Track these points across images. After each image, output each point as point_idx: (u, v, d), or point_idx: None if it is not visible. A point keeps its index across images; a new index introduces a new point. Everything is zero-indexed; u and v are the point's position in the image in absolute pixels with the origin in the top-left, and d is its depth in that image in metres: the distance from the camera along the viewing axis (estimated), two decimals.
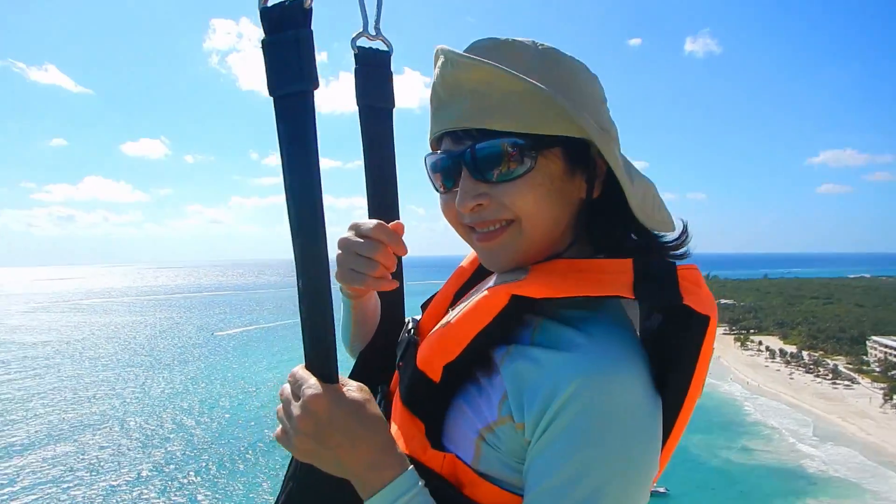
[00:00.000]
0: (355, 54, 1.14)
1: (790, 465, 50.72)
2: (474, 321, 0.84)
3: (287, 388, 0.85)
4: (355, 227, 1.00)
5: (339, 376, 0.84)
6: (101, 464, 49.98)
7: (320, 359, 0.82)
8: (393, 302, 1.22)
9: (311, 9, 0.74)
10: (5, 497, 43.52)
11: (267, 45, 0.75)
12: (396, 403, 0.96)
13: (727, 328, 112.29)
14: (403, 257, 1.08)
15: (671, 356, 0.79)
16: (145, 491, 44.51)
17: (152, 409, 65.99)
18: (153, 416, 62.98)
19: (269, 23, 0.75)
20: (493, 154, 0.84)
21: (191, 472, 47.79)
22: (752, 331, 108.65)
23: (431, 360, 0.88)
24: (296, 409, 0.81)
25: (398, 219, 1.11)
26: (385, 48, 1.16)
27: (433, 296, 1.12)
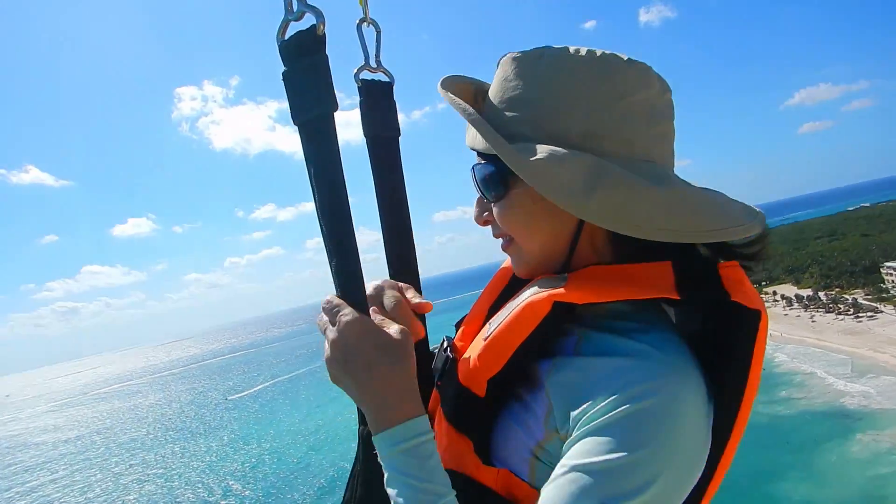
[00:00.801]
0: (359, 87, 1.18)
1: (831, 407, 50.43)
2: (517, 331, 0.83)
3: (323, 316, 0.85)
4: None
5: (382, 318, 0.87)
6: None
7: (351, 289, 0.84)
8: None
9: (324, 35, 0.77)
10: None
11: (286, 76, 0.80)
12: (441, 422, 0.94)
13: None
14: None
15: (724, 357, 0.77)
16: None
17: (198, 478, 65.70)
18: (201, 486, 62.71)
19: (287, 54, 0.79)
20: (481, 177, 0.89)
21: None
22: (763, 283, 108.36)
23: (475, 374, 0.87)
24: (330, 332, 0.82)
25: (412, 243, 1.22)
26: (387, 79, 1.20)
27: (466, 314, 1.11)
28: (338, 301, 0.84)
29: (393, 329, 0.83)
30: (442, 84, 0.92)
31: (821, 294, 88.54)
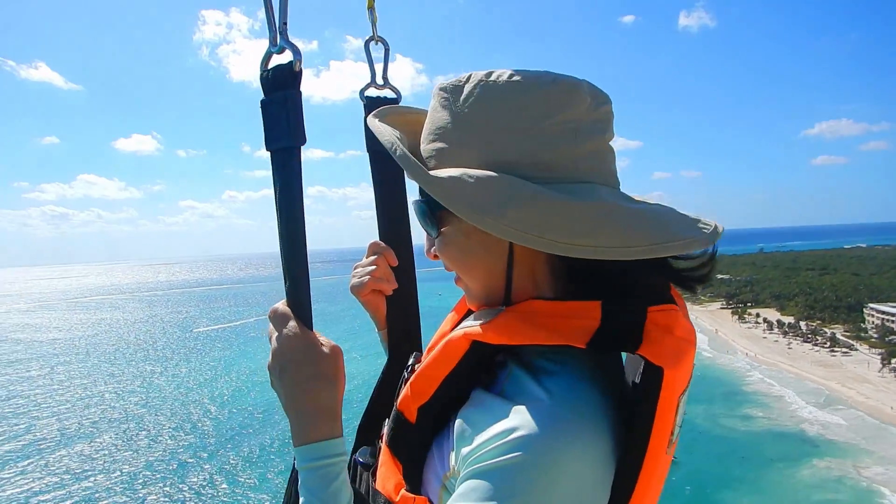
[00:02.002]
0: (364, 105, 1.21)
1: (791, 430, 51.83)
2: (440, 365, 0.85)
3: (270, 325, 0.89)
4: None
5: (317, 332, 0.89)
6: (118, 454, 50.85)
7: (298, 308, 0.88)
8: (408, 337, 1.31)
9: (300, 71, 0.82)
10: (27, 491, 44.47)
11: (264, 105, 0.84)
12: (384, 444, 0.97)
13: (724, 302, 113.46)
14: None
15: (632, 411, 0.76)
16: (165, 480, 45.49)
17: (164, 401, 66.78)
18: (165, 410, 63.73)
19: (266, 84, 0.84)
20: (420, 214, 0.92)
21: (203, 460, 48.77)
22: (749, 304, 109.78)
23: (407, 402, 0.89)
24: (273, 342, 0.87)
25: (411, 253, 1.29)
26: (393, 95, 1.23)
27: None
28: (284, 310, 0.87)
29: (327, 347, 0.86)
30: (380, 115, 0.96)
31: (802, 323, 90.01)
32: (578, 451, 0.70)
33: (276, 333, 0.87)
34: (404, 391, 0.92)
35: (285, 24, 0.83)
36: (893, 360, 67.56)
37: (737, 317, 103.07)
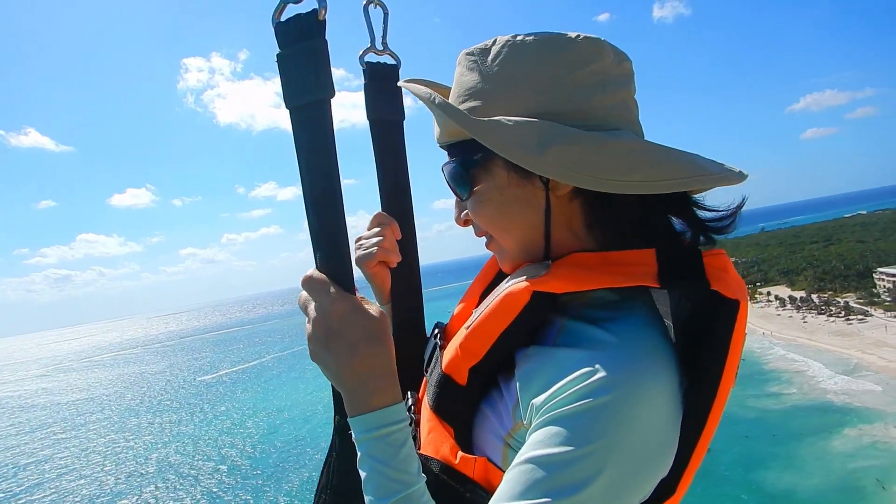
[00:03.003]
0: (364, 70, 1.18)
1: (818, 403, 51.73)
2: (497, 321, 0.84)
3: (304, 292, 0.84)
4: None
5: (362, 296, 0.85)
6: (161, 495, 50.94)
7: (340, 274, 0.82)
8: (412, 311, 1.29)
9: (325, 20, 0.76)
10: None
11: (282, 59, 0.77)
12: (425, 410, 0.95)
13: None
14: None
15: (703, 345, 0.77)
16: None
17: (198, 447, 66.72)
18: (200, 455, 63.72)
19: (284, 36, 0.77)
20: (449, 175, 0.91)
21: (246, 500, 48.79)
22: (758, 283, 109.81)
23: (457, 363, 0.88)
24: (313, 310, 0.81)
25: (413, 226, 1.27)
26: (393, 62, 1.20)
27: (460, 300, 1.14)
28: (320, 277, 0.82)
29: (373, 310, 0.82)
30: (409, 81, 0.96)
31: (814, 296, 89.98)
32: (658, 388, 0.71)
33: (315, 301, 0.81)
34: (450, 354, 0.90)
35: None
36: None
37: (748, 297, 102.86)
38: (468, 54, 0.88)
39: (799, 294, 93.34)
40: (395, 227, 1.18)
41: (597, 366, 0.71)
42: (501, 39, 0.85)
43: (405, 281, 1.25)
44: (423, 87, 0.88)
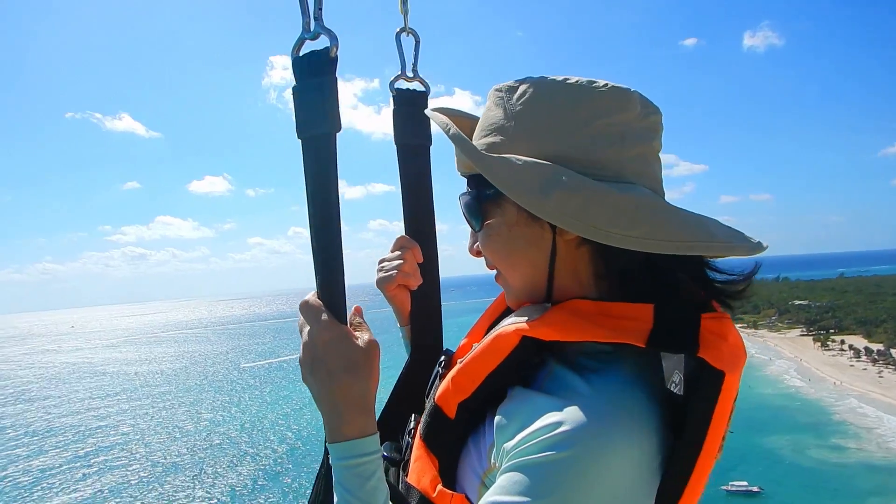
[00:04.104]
0: (393, 96, 1.20)
1: (886, 462, 49.16)
2: (486, 361, 0.85)
3: (301, 316, 0.86)
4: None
5: (360, 322, 0.88)
6: (227, 475, 53.56)
7: (333, 300, 0.85)
8: (430, 334, 1.29)
9: (336, 57, 0.80)
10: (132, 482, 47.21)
11: (296, 92, 0.82)
12: (417, 437, 0.96)
13: (804, 329, 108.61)
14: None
15: (686, 414, 0.75)
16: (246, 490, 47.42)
17: (251, 425, 69.70)
18: (253, 432, 66.51)
19: (300, 70, 0.82)
20: (464, 205, 0.94)
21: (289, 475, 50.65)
22: (831, 330, 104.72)
23: (447, 396, 0.89)
24: (304, 335, 0.84)
25: (435, 246, 1.27)
26: (422, 88, 1.22)
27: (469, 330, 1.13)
28: (316, 304, 0.85)
29: (362, 339, 0.84)
30: (435, 109, 0.98)
31: (893, 351, 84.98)
32: (624, 450, 0.69)
33: (307, 326, 0.84)
34: (443, 386, 0.91)
35: (320, 9, 0.81)
36: None
37: (819, 343, 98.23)
38: (497, 90, 0.90)
39: (876, 346, 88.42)
40: (416, 251, 1.20)
41: (564, 417, 0.70)
42: (530, 79, 0.87)
43: (425, 303, 1.27)
44: (443, 117, 0.90)
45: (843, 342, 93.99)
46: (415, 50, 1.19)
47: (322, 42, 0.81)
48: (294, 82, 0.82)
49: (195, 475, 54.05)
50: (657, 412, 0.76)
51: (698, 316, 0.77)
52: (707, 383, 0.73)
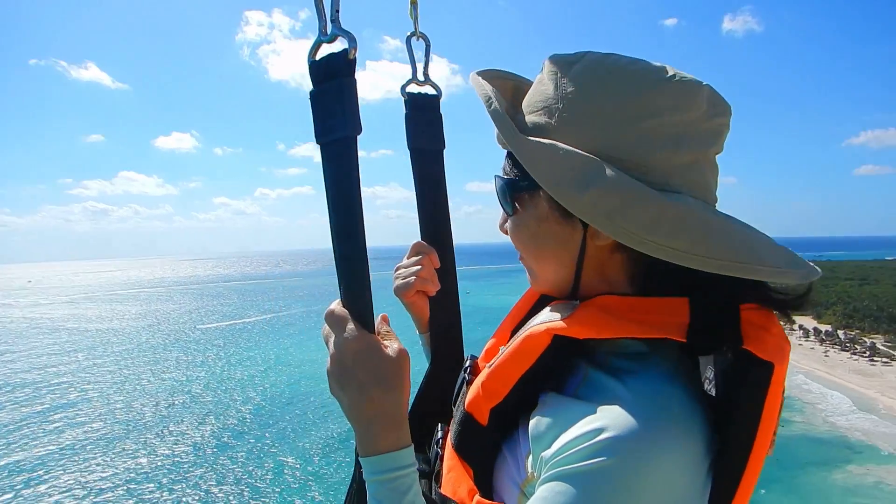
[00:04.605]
0: (405, 100, 1.19)
1: (827, 435, 51.90)
2: (517, 363, 0.82)
3: (326, 326, 0.83)
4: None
5: (388, 330, 0.86)
6: (167, 426, 53.59)
7: (358, 307, 0.82)
8: (450, 341, 1.26)
9: (355, 59, 0.77)
10: (76, 444, 47.26)
11: (314, 96, 0.80)
12: (448, 447, 0.92)
13: None
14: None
15: (733, 409, 0.71)
16: (206, 453, 47.88)
17: (215, 386, 69.46)
18: (218, 393, 66.46)
19: (317, 74, 0.79)
20: (498, 189, 0.90)
21: (235, 436, 51.13)
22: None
23: (478, 402, 0.86)
24: (331, 346, 0.81)
25: (452, 250, 1.26)
26: (434, 92, 1.21)
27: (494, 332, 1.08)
28: (342, 313, 0.81)
29: (392, 349, 0.81)
30: (480, 73, 0.92)
31: (839, 332, 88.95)
32: (670, 456, 0.66)
33: (334, 337, 0.81)
34: (473, 391, 0.88)
35: (337, 11, 0.78)
36: None
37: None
38: (552, 62, 0.84)
39: (825, 328, 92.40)
40: (433, 257, 1.18)
41: (606, 423, 0.67)
42: (590, 57, 0.80)
43: (444, 309, 1.25)
44: (486, 87, 0.86)
45: (793, 322, 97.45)
46: (425, 54, 1.17)
47: (339, 44, 0.78)
48: (311, 86, 0.80)
49: (158, 433, 54.05)
50: (700, 412, 0.72)
51: (737, 307, 0.74)
52: (755, 376, 0.70)
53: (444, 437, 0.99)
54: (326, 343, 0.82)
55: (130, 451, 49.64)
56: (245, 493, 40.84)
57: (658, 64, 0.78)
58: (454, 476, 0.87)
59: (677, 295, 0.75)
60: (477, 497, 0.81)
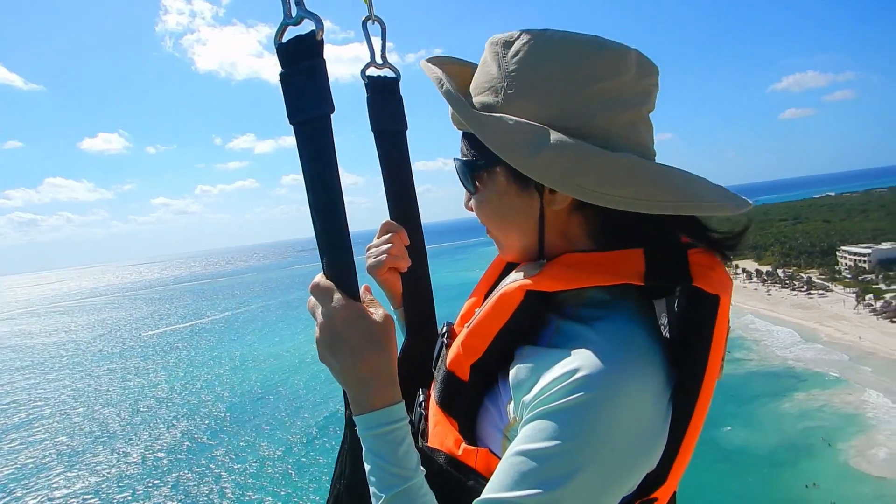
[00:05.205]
0: (365, 83, 1.22)
1: (774, 368, 55.39)
2: (493, 320, 0.88)
3: (312, 298, 0.87)
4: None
5: (372, 298, 0.91)
6: (129, 439, 52.58)
7: (343, 279, 0.85)
8: (423, 314, 1.33)
9: (322, 40, 0.79)
10: (45, 462, 46.11)
11: (284, 77, 0.81)
12: (432, 405, 0.99)
13: None
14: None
15: (686, 339, 0.80)
16: (177, 461, 47.47)
17: (166, 389, 68.10)
18: (167, 396, 65.17)
19: (286, 56, 0.80)
20: (459, 171, 0.95)
21: (205, 438, 50.82)
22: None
23: (459, 360, 0.92)
24: (319, 315, 0.85)
25: (420, 227, 1.31)
26: (393, 75, 1.23)
27: (467, 299, 1.14)
28: (326, 284, 0.85)
29: (378, 314, 0.85)
30: (429, 60, 0.97)
31: (779, 271, 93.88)
32: (640, 386, 0.73)
33: (321, 307, 0.85)
34: (453, 351, 0.94)
35: None
36: (867, 297, 71.63)
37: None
38: (493, 43, 0.88)
39: (765, 268, 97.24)
40: (402, 234, 1.22)
41: (580, 364, 0.73)
42: (526, 35, 0.85)
43: (415, 284, 1.30)
44: (436, 71, 0.90)
45: (737, 266, 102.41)
46: (382, 37, 1.19)
47: (306, 26, 0.80)
48: (280, 68, 0.81)
49: (128, 440, 53.02)
50: (661, 347, 0.80)
51: (685, 252, 0.82)
52: (704, 308, 0.79)
53: (427, 399, 1.07)
54: (313, 314, 0.86)
55: (101, 462, 48.52)
56: (228, 490, 40.79)
57: (589, 35, 0.83)
58: (440, 430, 0.94)
59: (633, 248, 0.83)
60: (463, 445, 0.89)
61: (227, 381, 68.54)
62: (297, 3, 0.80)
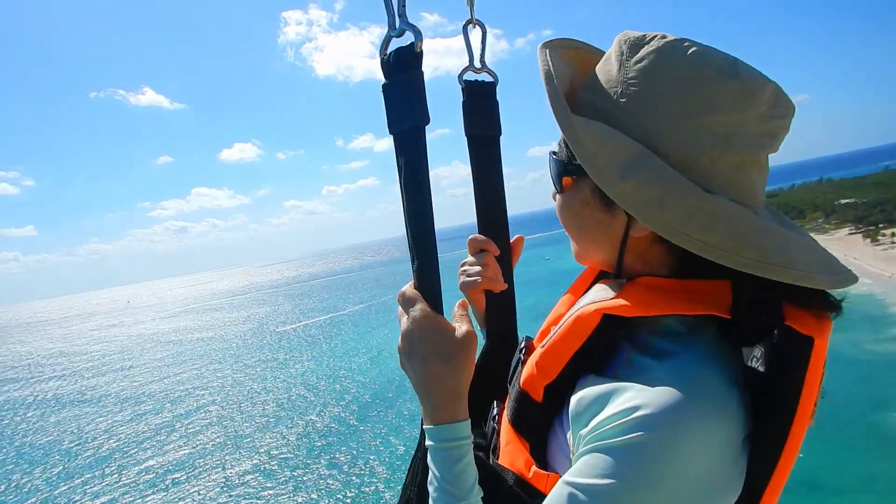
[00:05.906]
0: (462, 88, 1.21)
1: None
2: (569, 342, 0.84)
3: (399, 307, 0.91)
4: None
5: (463, 314, 0.93)
6: (273, 422, 57.47)
7: (427, 287, 0.89)
8: (506, 330, 1.30)
9: (422, 52, 0.82)
10: (191, 440, 51.62)
11: (385, 89, 0.85)
12: (504, 422, 0.97)
13: (852, 227, 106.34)
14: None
15: (775, 382, 0.74)
16: (315, 441, 51.28)
17: (311, 379, 72.60)
18: (312, 386, 69.59)
19: (387, 69, 0.85)
20: (550, 167, 0.92)
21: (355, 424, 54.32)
22: (881, 225, 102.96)
23: (532, 381, 0.89)
24: (402, 323, 0.88)
25: (507, 236, 1.28)
26: (490, 79, 1.22)
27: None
28: (412, 294, 0.88)
29: (461, 331, 0.86)
30: (547, 45, 0.90)
31: None
32: (703, 432, 0.68)
33: (405, 316, 0.87)
34: (527, 370, 0.91)
35: (404, 6, 0.83)
36: None
37: (869, 239, 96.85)
38: (622, 42, 0.83)
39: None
40: (493, 248, 1.21)
41: (643, 401, 0.69)
42: (658, 42, 0.79)
43: (500, 299, 1.28)
44: (549, 63, 0.85)
45: (893, 234, 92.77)
46: (482, 41, 1.18)
47: (407, 38, 0.82)
48: (383, 79, 0.85)
49: (287, 424, 57.72)
50: (736, 393, 0.74)
51: (777, 287, 0.73)
52: (796, 350, 0.72)
53: (500, 414, 1.05)
54: (400, 322, 0.89)
55: (264, 444, 53.30)
56: (379, 470, 43.65)
57: (729, 57, 0.76)
58: (512, 449, 0.92)
59: (717, 278, 0.77)
60: (534, 468, 0.87)
61: (368, 370, 71.85)
62: (399, 16, 0.83)
